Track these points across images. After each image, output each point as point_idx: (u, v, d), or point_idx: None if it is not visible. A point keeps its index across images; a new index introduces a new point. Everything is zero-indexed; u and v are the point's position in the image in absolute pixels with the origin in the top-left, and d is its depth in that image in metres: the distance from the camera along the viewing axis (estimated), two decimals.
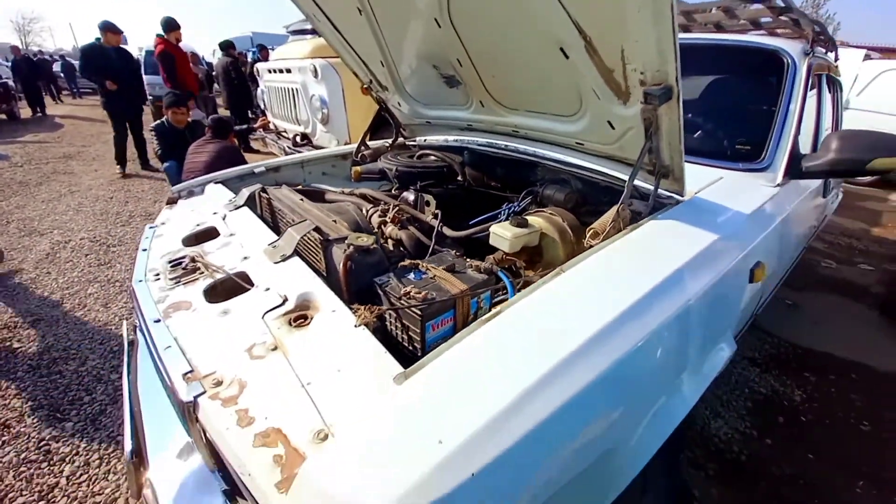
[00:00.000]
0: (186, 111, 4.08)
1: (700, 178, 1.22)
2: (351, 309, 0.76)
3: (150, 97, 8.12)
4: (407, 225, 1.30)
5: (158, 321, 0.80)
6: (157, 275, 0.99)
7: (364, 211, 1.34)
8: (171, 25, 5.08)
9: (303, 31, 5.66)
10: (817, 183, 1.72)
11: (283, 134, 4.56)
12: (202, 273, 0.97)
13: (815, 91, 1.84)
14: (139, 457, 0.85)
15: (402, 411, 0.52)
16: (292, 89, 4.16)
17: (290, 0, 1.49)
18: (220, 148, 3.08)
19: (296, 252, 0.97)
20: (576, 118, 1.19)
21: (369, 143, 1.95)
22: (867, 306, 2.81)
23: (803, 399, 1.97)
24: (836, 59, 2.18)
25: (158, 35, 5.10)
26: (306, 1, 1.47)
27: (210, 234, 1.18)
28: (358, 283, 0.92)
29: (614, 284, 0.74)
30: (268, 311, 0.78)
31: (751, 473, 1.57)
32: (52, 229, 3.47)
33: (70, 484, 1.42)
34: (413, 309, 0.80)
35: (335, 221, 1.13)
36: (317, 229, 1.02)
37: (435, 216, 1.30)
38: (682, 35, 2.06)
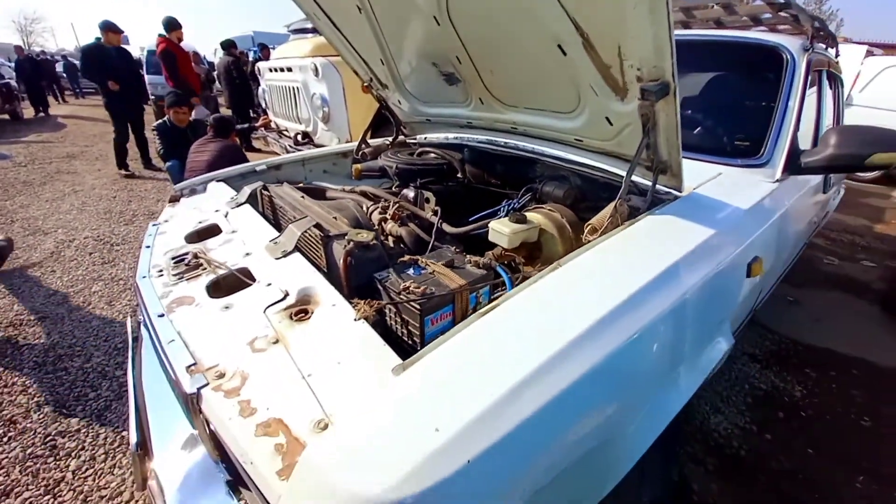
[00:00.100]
0: (188, 111, 4.10)
1: (699, 174, 1.23)
2: (351, 303, 0.77)
3: (153, 97, 8.15)
4: (407, 222, 1.31)
5: (162, 316, 0.82)
6: (161, 271, 1.00)
7: (364, 208, 1.35)
8: (172, 25, 5.10)
9: (304, 30, 5.67)
10: (817, 179, 1.72)
11: (285, 132, 4.58)
12: (205, 269, 0.98)
13: (815, 87, 1.83)
14: (144, 449, 0.87)
15: (399, 401, 0.54)
16: (293, 88, 4.17)
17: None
18: (222, 147, 3.10)
19: (297, 248, 0.98)
20: (574, 115, 1.20)
21: (370, 140, 1.96)
22: (868, 303, 2.81)
23: (803, 395, 1.98)
24: (837, 55, 2.17)
25: (160, 35, 5.12)
26: (307, 0, 1.48)
27: (212, 231, 1.19)
28: (358, 279, 0.93)
29: (610, 278, 0.75)
30: (269, 306, 0.79)
31: (750, 468, 1.57)
32: (56, 228, 3.50)
33: (76, 478, 1.44)
34: (412, 303, 0.81)
35: (335, 218, 1.14)
36: (317, 226, 1.03)
37: (434, 213, 1.32)
38: (681, 32, 2.07)
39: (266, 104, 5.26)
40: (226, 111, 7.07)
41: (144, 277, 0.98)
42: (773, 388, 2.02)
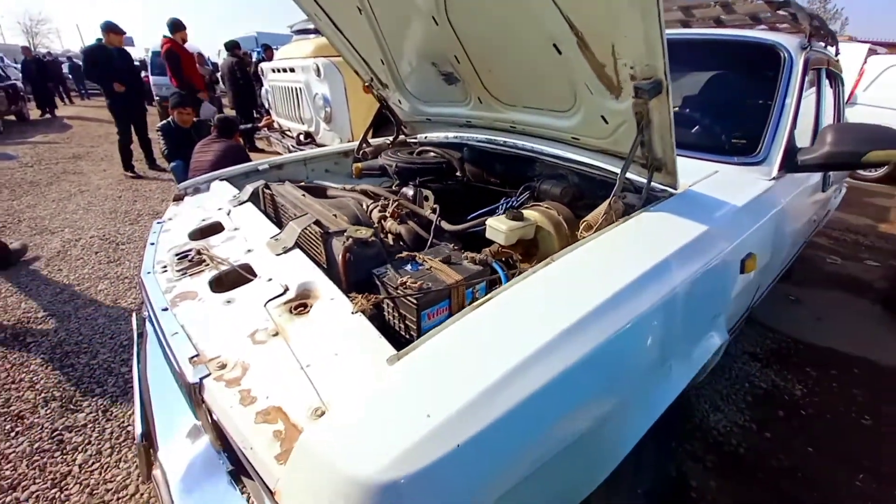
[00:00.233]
0: (192, 111, 4.15)
1: (695, 172, 1.24)
2: (349, 297, 0.79)
3: (157, 97, 8.21)
4: (406, 219, 1.33)
5: (166, 310, 0.84)
6: (165, 267, 1.03)
7: (364, 206, 1.37)
8: (176, 26, 5.16)
9: (306, 31, 5.70)
10: (816, 177, 1.73)
11: (287, 133, 4.61)
12: (208, 265, 1.01)
13: (814, 85, 1.84)
14: (149, 440, 0.89)
15: (392, 388, 0.55)
16: (296, 88, 4.20)
17: (294, 0, 1.52)
18: (226, 147, 3.14)
19: (297, 244, 1.00)
20: (571, 113, 1.22)
21: (371, 140, 1.99)
22: (871, 302, 2.80)
23: (804, 394, 1.98)
24: (837, 53, 2.17)
25: (165, 36, 5.18)
26: (308, 0, 1.50)
27: (215, 228, 1.22)
28: (357, 274, 0.95)
29: (602, 272, 0.76)
30: (270, 300, 0.82)
31: (749, 466, 1.58)
32: (62, 228, 3.55)
33: (82, 472, 1.47)
34: (409, 298, 0.83)
35: (335, 216, 1.16)
36: (317, 223, 1.05)
37: (433, 211, 1.33)
38: (680, 31, 2.08)
39: (269, 104, 5.30)
40: (229, 112, 7.13)
41: (149, 273, 1.01)
42: (774, 386, 2.02)
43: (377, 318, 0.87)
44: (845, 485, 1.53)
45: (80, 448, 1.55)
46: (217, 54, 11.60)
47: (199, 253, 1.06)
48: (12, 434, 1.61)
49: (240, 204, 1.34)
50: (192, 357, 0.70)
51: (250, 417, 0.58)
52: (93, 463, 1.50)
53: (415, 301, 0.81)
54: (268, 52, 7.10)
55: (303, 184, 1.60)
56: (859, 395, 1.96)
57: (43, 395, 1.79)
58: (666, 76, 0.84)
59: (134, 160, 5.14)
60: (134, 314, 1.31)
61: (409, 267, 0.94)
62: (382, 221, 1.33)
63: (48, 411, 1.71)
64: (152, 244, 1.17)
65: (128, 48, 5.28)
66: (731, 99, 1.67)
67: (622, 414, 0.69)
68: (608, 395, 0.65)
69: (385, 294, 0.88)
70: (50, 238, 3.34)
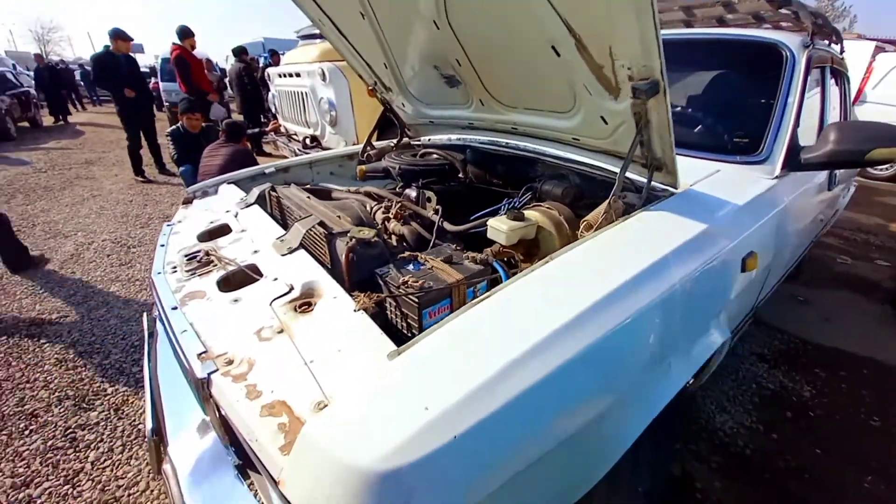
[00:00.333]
0: (201, 117, 4.22)
1: (696, 172, 1.24)
2: (351, 296, 0.81)
3: (167, 103, 8.35)
4: (409, 221, 1.35)
5: (176, 308, 0.87)
6: (175, 267, 1.05)
7: (368, 207, 1.39)
8: (185, 33, 5.26)
9: (312, 36, 5.77)
10: (822, 176, 1.72)
11: (294, 137, 4.67)
12: (215, 265, 1.03)
13: (818, 84, 1.83)
14: (159, 435, 0.92)
15: (392, 382, 0.57)
16: (302, 93, 4.26)
17: (297, 6, 1.55)
18: (234, 151, 3.19)
19: (301, 245, 1.03)
20: (571, 114, 1.23)
21: (375, 143, 2.01)
22: (880, 302, 2.76)
23: (812, 395, 1.96)
24: (842, 51, 2.16)
25: (174, 43, 5.28)
26: (312, 7, 1.53)
27: (223, 230, 1.25)
28: (360, 274, 0.97)
29: (600, 269, 0.78)
30: (275, 299, 0.84)
31: (756, 467, 1.57)
32: (75, 231, 3.63)
33: (94, 469, 1.50)
34: (411, 296, 0.84)
35: (339, 217, 1.18)
36: (321, 223, 1.07)
37: (436, 212, 1.35)
38: (682, 30, 2.08)
39: (276, 109, 5.37)
40: (237, 116, 7.23)
41: (159, 273, 1.04)
42: (782, 387, 2.01)
43: (380, 317, 0.89)
44: (853, 486, 1.51)
45: (92, 446, 1.59)
46: (225, 60, 11.78)
47: (207, 254, 1.09)
48: (26, 432, 1.66)
49: (247, 206, 1.37)
50: (201, 353, 0.72)
51: (256, 411, 0.60)
52: (105, 460, 1.53)
53: (416, 300, 0.83)
54: (274, 58, 7.18)
55: (308, 186, 1.63)
56: (868, 395, 1.94)
57: (57, 393, 1.84)
58: (663, 76, 0.85)
59: (144, 165, 5.23)
60: (144, 314, 1.34)
61: (411, 266, 0.96)
62: (386, 222, 1.36)
63: (62, 410, 1.76)
64: (162, 245, 1.20)
65: (138, 55, 5.39)
66: (733, 98, 1.67)
67: (620, 410, 0.70)
68: (606, 391, 0.66)
69: (387, 293, 0.90)
70: (63, 241, 3.42)
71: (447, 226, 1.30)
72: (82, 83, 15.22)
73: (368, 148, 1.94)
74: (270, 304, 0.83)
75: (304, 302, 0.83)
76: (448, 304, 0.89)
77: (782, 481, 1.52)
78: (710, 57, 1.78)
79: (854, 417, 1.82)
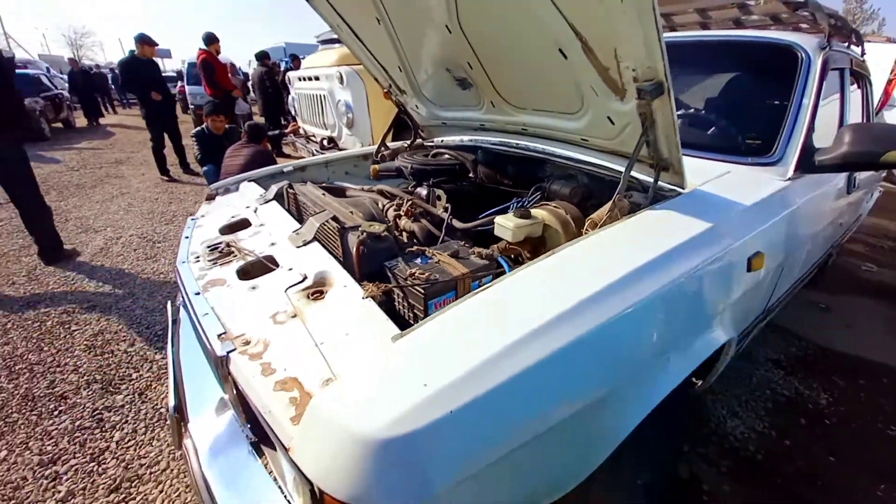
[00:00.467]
0: (224, 119, 4.37)
1: (706, 172, 1.25)
2: (361, 285, 0.86)
3: (192, 106, 8.64)
4: (419, 218, 1.39)
5: (199, 294, 0.93)
6: (198, 257, 1.12)
7: (380, 205, 1.44)
8: (211, 39, 5.48)
9: (332, 41, 5.92)
10: (840, 179, 1.69)
11: (312, 138, 4.79)
12: (235, 256, 1.10)
13: (838, 86, 1.80)
14: (181, 413, 0.98)
15: (394, 360, 0.61)
16: (320, 96, 4.37)
17: (317, 13, 1.62)
18: (255, 152, 3.30)
19: (315, 238, 1.08)
20: (578, 115, 1.25)
21: (389, 144, 2.07)
22: None
23: (829, 402, 1.92)
24: (863, 53, 2.11)
25: (201, 48, 5.50)
26: (331, 13, 1.60)
27: (243, 224, 1.31)
28: (370, 266, 1.01)
29: (601, 263, 0.80)
30: (290, 287, 0.89)
31: (766, 472, 1.55)
32: (105, 227, 3.81)
33: (119, 448, 1.59)
34: (417, 287, 0.88)
35: (352, 212, 1.23)
36: (334, 218, 1.13)
37: (445, 210, 1.39)
38: (697, 32, 2.07)
39: (295, 111, 5.51)
40: (258, 119, 7.44)
41: (184, 263, 1.11)
42: (797, 394, 1.97)
43: (387, 306, 0.93)
44: (865, 493, 1.48)
45: (117, 426, 1.68)
46: (248, 65, 12.14)
47: (228, 245, 1.15)
48: (55, 413, 1.76)
49: (265, 202, 1.44)
50: (221, 334, 0.78)
51: (270, 386, 0.65)
52: (129, 440, 1.62)
53: (422, 291, 0.87)
54: (295, 62, 7.37)
55: (324, 184, 1.69)
56: (886, 405, 1.89)
57: (85, 377, 1.95)
58: (666, 77, 0.87)
59: (169, 165, 5.44)
60: (169, 303, 1.42)
61: (418, 260, 1.00)
62: (397, 220, 1.40)
63: (90, 392, 1.86)
64: (187, 237, 1.28)
65: (165, 59, 5.62)
66: (746, 100, 1.66)
67: (616, 400, 0.72)
68: (600, 379, 0.68)
69: (395, 284, 0.94)
70: (94, 236, 3.59)
71: (456, 223, 1.33)
72: (113, 86, 15.87)
73: (382, 148, 2.00)
74: (285, 292, 0.88)
75: (317, 290, 0.88)
76: (453, 297, 0.93)
77: (793, 487, 1.50)
78: (725, 59, 1.77)
79: (871, 426, 1.78)
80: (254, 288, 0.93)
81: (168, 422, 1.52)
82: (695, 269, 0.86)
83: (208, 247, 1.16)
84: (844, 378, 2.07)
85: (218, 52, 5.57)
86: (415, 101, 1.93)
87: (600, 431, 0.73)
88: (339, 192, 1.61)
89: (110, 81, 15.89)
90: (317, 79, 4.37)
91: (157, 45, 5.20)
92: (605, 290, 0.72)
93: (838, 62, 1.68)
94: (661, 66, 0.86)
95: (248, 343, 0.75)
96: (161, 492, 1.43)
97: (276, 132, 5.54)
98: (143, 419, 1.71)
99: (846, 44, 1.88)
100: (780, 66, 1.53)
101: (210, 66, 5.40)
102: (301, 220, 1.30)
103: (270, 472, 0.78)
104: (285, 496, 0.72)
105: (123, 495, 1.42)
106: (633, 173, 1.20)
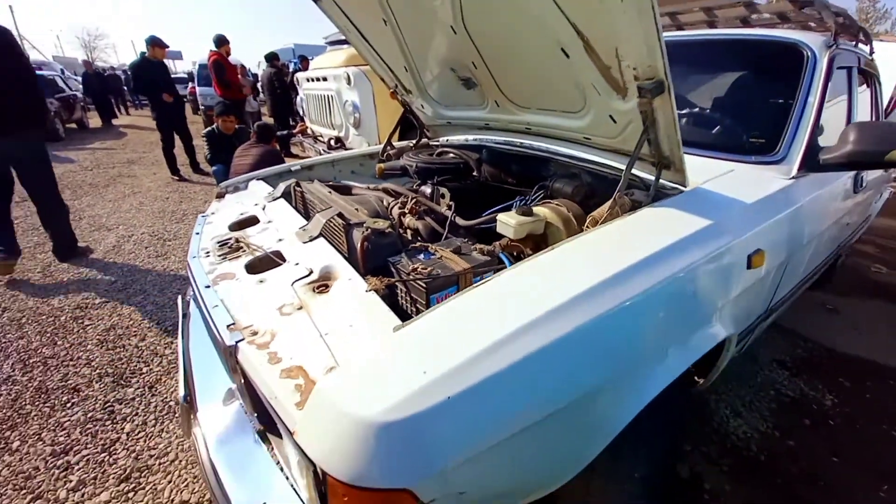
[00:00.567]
0: (235, 119, 4.44)
1: (709, 171, 1.25)
2: (364, 279, 0.88)
3: (202, 107, 8.76)
4: (423, 216, 1.41)
5: (209, 287, 0.96)
6: (208, 252, 1.15)
7: (385, 203, 1.46)
8: (221, 41, 5.57)
9: (340, 42, 5.98)
10: (846, 178, 1.68)
11: (319, 138, 4.84)
12: (244, 251, 1.13)
13: (846, 85, 1.79)
14: (190, 402, 1.01)
15: (395, 350, 0.63)
16: (328, 96, 4.42)
17: (325, 14, 1.65)
18: (264, 151, 3.36)
19: (321, 234, 1.11)
20: (581, 114, 1.27)
21: (395, 143, 2.09)
22: None
23: (834, 404, 1.90)
24: (872, 52, 2.10)
25: (212, 49, 5.60)
26: (339, 15, 1.63)
27: (251, 221, 1.35)
28: (374, 261, 1.04)
29: (599, 257, 0.81)
30: (296, 280, 0.92)
31: (767, 471, 1.55)
32: (117, 225, 3.89)
33: (129, 439, 1.63)
34: (419, 282, 0.90)
35: (357, 210, 1.26)
36: (340, 215, 1.15)
37: (449, 207, 1.41)
38: (703, 31, 2.07)
39: (304, 112, 5.58)
40: (267, 119, 7.53)
41: (195, 257, 1.14)
42: (802, 395, 1.96)
43: (389, 300, 0.95)
44: (867, 494, 1.47)
45: (128, 419, 1.72)
46: (257, 66, 12.28)
47: (237, 241, 1.18)
48: (68, 405, 1.81)
49: (273, 200, 1.47)
50: (230, 325, 0.81)
51: (276, 374, 0.67)
52: (139, 432, 1.66)
53: (424, 285, 0.89)
54: (304, 63, 7.45)
55: (330, 183, 1.72)
56: (892, 406, 1.87)
57: (97, 371, 2.00)
58: (667, 76, 0.88)
59: (179, 165, 5.53)
60: (179, 297, 1.46)
61: (421, 256, 1.02)
62: (402, 217, 1.43)
63: (101, 385, 1.91)
64: (197, 234, 1.31)
65: (176, 61, 5.72)
66: (751, 99, 1.65)
67: (612, 391, 0.73)
68: (595, 370, 0.70)
69: (398, 278, 0.97)
70: (106, 234, 3.67)
71: (459, 220, 1.35)
72: (125, 88, 16.13)
73: (388, 147, 2.02)
74: (292, 285, 0.90)
75: (322, 284, 0.90)
76: (454, 291, 0.94)
77: (794, 486, 1.49)
78: (730, 57, 1.77)
79: (876, 427, 1.76)
80: (261, 281, 0.95)
81: (178, 411, 1.57)
82: (693, 265, 0.87)
83: (218, 242, 1.20)
84: (850, 379, 2.06)
85: (228, 54, 5.67)
86: (420, 100, 1.95)
87: (596, 422, 0.74)
88: (345, 191, 1.63)
89: (124, 83, 16.15)
90: (325, 79, 4.42)
91: (167, 47, 5.28)
92: (602, 283, 0.74)
93: (845, 61, 1.67)
94: (661, 64, 0.87)
95: (255, 333, 0.78)
96: (169, 482, 1.46)
97: (285, 132, 5.61)
98: (153, 411, 1.75)
99: (854, 42, 1.87)
100: (786, 64, 1.53)
101: (221, 67, 5.49)
102: (308, 217, 1.33)
103: (275, 459, 0.81)
104: (290, 481, 0.74)
105: (133, 485, 1.45)
106: (635, 171, 1.21)
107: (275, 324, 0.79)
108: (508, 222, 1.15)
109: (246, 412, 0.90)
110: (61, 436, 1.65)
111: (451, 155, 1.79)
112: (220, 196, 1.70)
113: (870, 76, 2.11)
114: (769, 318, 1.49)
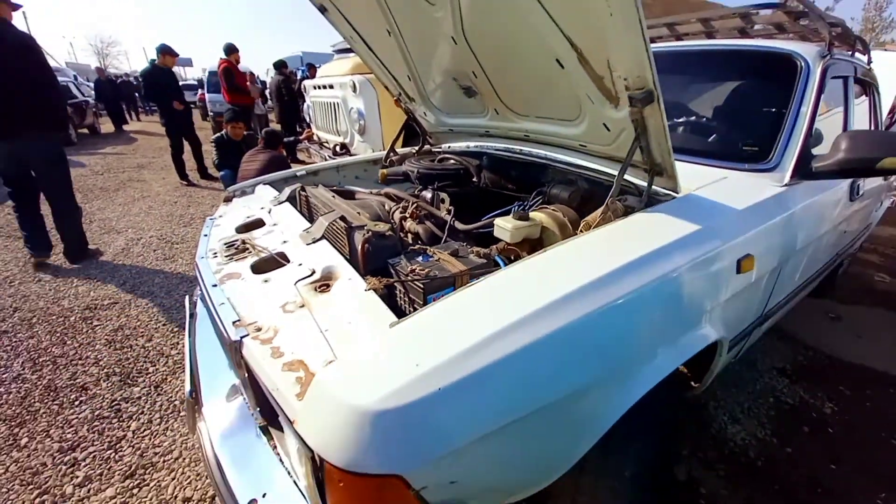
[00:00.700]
0: (243, 126, 4.54)
1: (702, 178, 1.28)
2: (364, 279, 0.92)
3: (211, 113, 8.92)
4: (424, 220, 1.45)
5: (216, 286, 1.00)
6: (215, 253, 1.20)
7: (386, 207, 1.51)
8: (231, 49, 5.71)
9: (346, 50, 6.07)
10: (842, 186, 1.70)
11: (325, 144, 4.92)
12: (250, 252, 1.17)
13: (842, 95, 1.81)
14: (195, 398, 1.04)
15: (390, 344, 0.67)
16: (334, 103, 4.50)
17: (332, 25, 1.71)
18: (270, 157, 3.43)
19: (324, 236, 1.15)
20: (577, 122, 1.30)
21: (398, 150, 2.14)
22: None
23: (833, 411, 1.90)
24: (870, 61, 2.12)
25: (221, 57, 5.73)
26: (345, 25, 1.69)
27: (258, 223, 1.39)
28: (374, 263, 1.07)
29: (590, 259, 0.85)
30: (299, 280, 0.95)
31: (765, 477, 1.55)
32: (127, 228, 3.97)
33: (135, 437, 1.67)
34: (417, 283, 0.94)
35: (359, 213, 1.30)
36: (342, 218, 1.19)
37: (448, 212, 1.45)
38: (699, 42, 2.11)
39: (310, 119, 5.67)
40: (275, 125, 7.64)
41: (202, 258, 1.18)
42: (801, 402, 1.96)
43: (388, 300, 0.98)
44: (864, 501, 1.47)
45: (134, 417, 1.76)
46: (265, 73, 12.50)
47: (243, 243, 1.23)
48: (76, 403, 1.85)
49: (279, 204, 1.52)
50: (235, 321, 0.85)
51: (278, 367, 0.71)
52: (144, 430, 1.70)
53: (421, 286, 0.93)
54: (311, 71, 7.57)
55: (334, 188, 1.77)
56: (892, 414, 1.87)
57: (105, 370, 2.04)
58: (655, 86, 0.92)
59: (188, 170, 5.63)
60: (187, 298, 1.50)
61: (420, 258, 1.06)
62: (403, 221, 1.46)
63: (109, 384, 1.95)
64: (205, 235, 1.36)
65: (187, 68, 5.86)
66: (745, 107, 1.68)
67: (601, 387, 0.76)
68: (583, 367, 0.72)
69: (397, 279, 1.00)
70: (116, 237, 3.75)
71: (458, 225, 1.39)
72: (137, 94, 16.44)
73: (392, 154, 2.07)
74: (295, 285, 0.94)
75: (324, 283, 0.94)
76: (451, 292, 0.98)
77: (791, 492, 1.50)
78: (726, 67, 1.81)
79: (875, 435, 1.76)
80: (266, 281, 0.99)
81: (184, 407, 1.60)
82: (680, 267, 0.90)
83: (225, 244, 1.24)
84: (851, 387, 2.06)
85: (238, 62, 5.80)
86: (423, 108, 2.00)
87: (585, 419, 0.77)
88: (348, 195, 1.68)
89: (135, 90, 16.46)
90: (331, 87, 4.50)
91: (177, 55, 5.41)
92: (592, 283, 0.77)
93: (841, 70, 1.70)
94: (649, 75, 0.90)
95: (259, 329, 0.82)
96: (173, 479, 1.50)
97: (292, 138, 5.71)
98: (159, 410, 1.79)
99: (851, 52, 1.90)
100: (780, 74, 1.56)
101: (230, 74, 5.62)
102: (312, 220, 1.37)
103: (276, 452, 0.84)
104: (289, 474, 0.78)
105: (138, 481, 1.49)
106: (630, 178, 1.25)
107: (278, 320, 0.83)
108: (505, 226, 1.18)
109: (248, 407, 0.94)
110: (69, 433, 1.70)
111: (452, 161, 1.83)
112: (228, 200, 1.75)
113: (867, 85, 2.14)
114: (764, 323, 1.50)
